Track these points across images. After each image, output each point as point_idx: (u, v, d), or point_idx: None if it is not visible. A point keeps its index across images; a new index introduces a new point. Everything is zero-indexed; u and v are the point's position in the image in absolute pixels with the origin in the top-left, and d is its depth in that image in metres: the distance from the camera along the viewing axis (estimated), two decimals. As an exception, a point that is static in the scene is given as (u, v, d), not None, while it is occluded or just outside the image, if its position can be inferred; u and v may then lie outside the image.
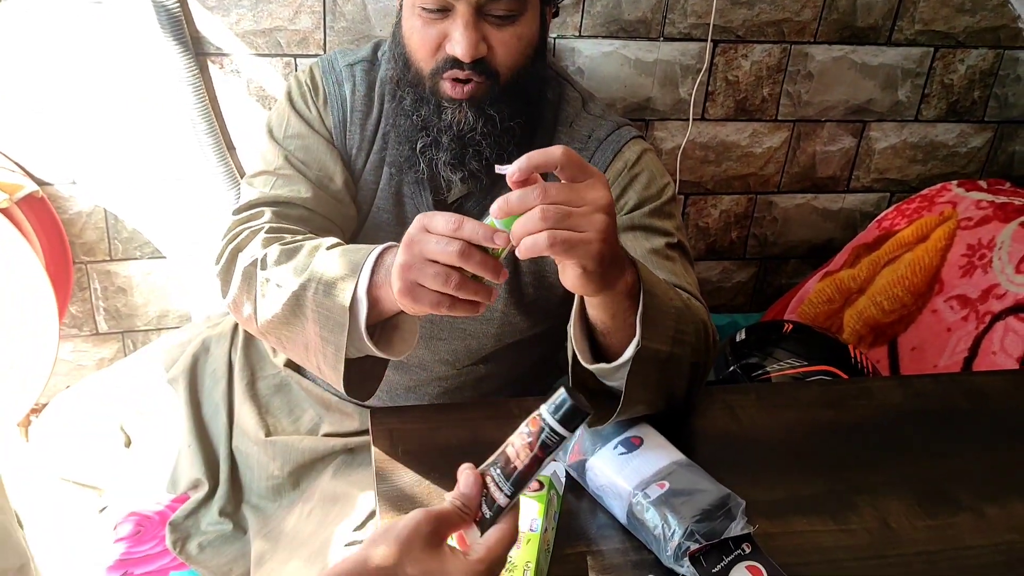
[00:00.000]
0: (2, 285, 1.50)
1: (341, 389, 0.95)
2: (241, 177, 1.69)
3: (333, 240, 1.00)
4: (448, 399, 1.25)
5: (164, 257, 1.80)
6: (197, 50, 1.48)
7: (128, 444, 1.31)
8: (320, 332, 0.94)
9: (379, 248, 0.92)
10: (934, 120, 2.04)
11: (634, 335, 0.85)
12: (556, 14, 1.12)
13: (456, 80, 1.01)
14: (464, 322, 1.15)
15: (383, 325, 0.96)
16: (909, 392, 1.22)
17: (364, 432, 1.23)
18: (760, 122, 1.95)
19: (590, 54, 1.79)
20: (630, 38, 1.79)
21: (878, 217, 1.97)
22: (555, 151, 0.75)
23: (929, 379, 1.31)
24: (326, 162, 1.12)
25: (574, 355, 0.92)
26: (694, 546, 0.85)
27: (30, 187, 1.63)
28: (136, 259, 1.80)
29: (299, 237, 1.03)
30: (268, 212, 1.07)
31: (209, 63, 1.50)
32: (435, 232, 0.78)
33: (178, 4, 1.43)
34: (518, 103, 1.05)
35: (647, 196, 1.12)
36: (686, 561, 0.85)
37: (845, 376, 1.53)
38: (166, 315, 1.88)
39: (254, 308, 1.00)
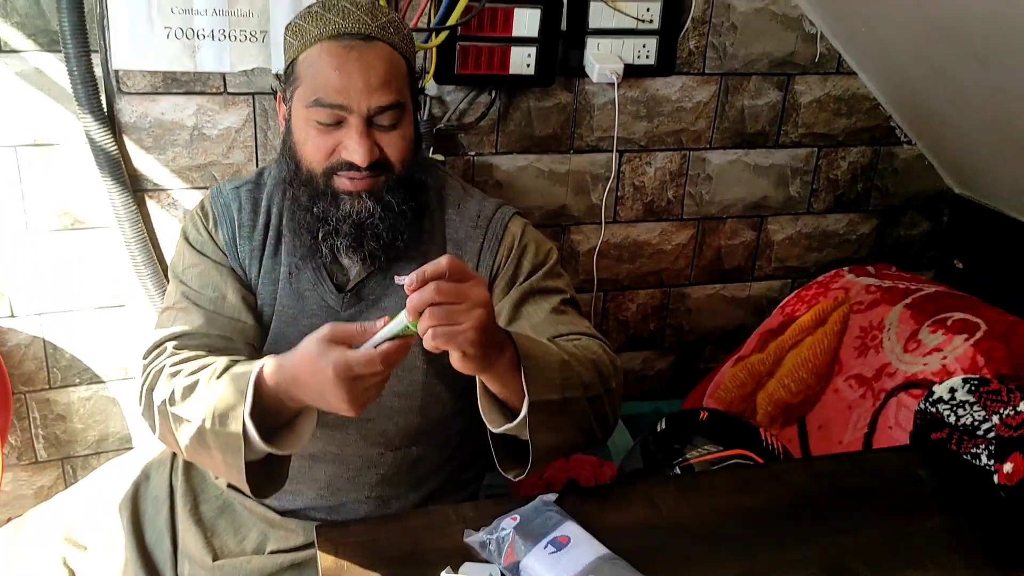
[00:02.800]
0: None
1: (253, 497, 1.07)
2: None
3: (225, 363, 1.09)
4: (387, 488, 1.30)
5: (103, 381, 1.84)
6: (135, 187, 1.56)
7: (73, 577, 1.33)
8: (224, 458, 1.04)
9: (255, 372, 1.02)
10: (824, 212, 2.23)
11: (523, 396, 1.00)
12: (419, 107, 1.28)
13: (352, 179, 1.15)
14: (389, 400, 1.24)
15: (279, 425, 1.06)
16: (812, 473, 1.34)
17: (309, 546, 1.28)
18: (668, 221, 2.11)
19: (507, 168, 1.92)
20: (543, 152, 1.94)
21: (781, 303, 2.12)
22: (442, 263, 0.90)
23: (830, 459, 1.43)
24: (218, 282, 1.23)
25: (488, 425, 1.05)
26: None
27: (-31, 323, 1.67)
28: (75, 386, 1.83)
29: (202, 362, 1.12)
30: (169, 347, 1.17)
31: (147, 198, 1.59)
32: (368, 373, 0.92)
33: (116, 146, 1.52)
34: (409, 189, 1.19)
35: (537, 263, 1.28)
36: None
37: (759, 459, 1.64)
38: (106, 439, 1.90)
39: (176, 442, 1.10)
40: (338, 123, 1.14)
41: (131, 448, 1.93)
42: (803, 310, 2.01)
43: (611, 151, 1.97)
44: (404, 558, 1.10)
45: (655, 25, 1.90)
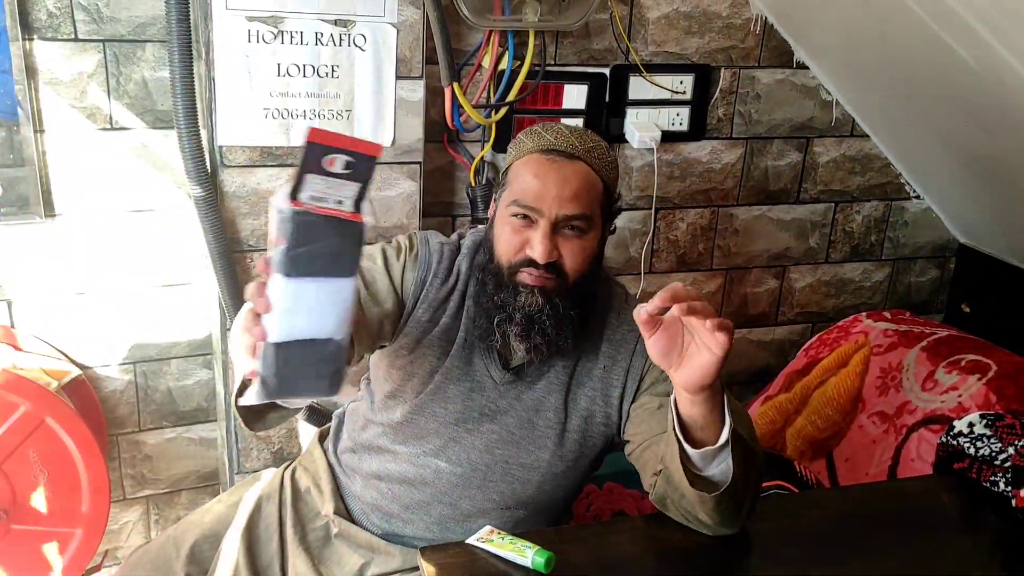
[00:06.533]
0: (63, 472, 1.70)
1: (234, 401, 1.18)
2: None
3: None
4: (489, 536, 1.46)
5: (186, 424, 2.01)
6: (233, 248, 1.74)
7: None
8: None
9: None
10: (841, 261, 2.42)
11: (721, 427, 1.14)
12: (613, 231, 1.42)
13: (531, 274, 1.30)
14: (516, 468, 1.39)
15: None
16: (847, 500, 1.51)
17: (406, 570, 1.44)
18: (699, 271, 2.30)
19: (554, 225, 2.11)
20: (586, 210, 2.13)
21: (804, 346, 2.30)
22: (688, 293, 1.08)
23: (862, 488, 1.60)
24: (378, 294, 1.37)
25: (681, 454, 1.16)
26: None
27: (74, 372, 1.84)
28: (161, 428, 2.00)
29: None
30: None
31: (244, 258, 1.77)
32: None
33: (218, 213, 1.70)
34: (577, 297, 1.33)
35: None
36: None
37: (795, 489, 1.81)
38: (187, 477, 2.06)
39: None
40: (530, 224, 1.30)
41: (209, 485, 2.09)
42: (826, 352, 2.19)
43: (649, 209, 2.16)
44: (500, 574, 1.26)
45: (688, 96, 2.10)
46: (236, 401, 1.16)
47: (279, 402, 1.18)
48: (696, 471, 1.19)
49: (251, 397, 0.94)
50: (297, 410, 1.28)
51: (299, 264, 0.85)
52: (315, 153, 0.83)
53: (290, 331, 0.88)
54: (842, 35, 1.99)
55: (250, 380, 0.99)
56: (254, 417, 1.25)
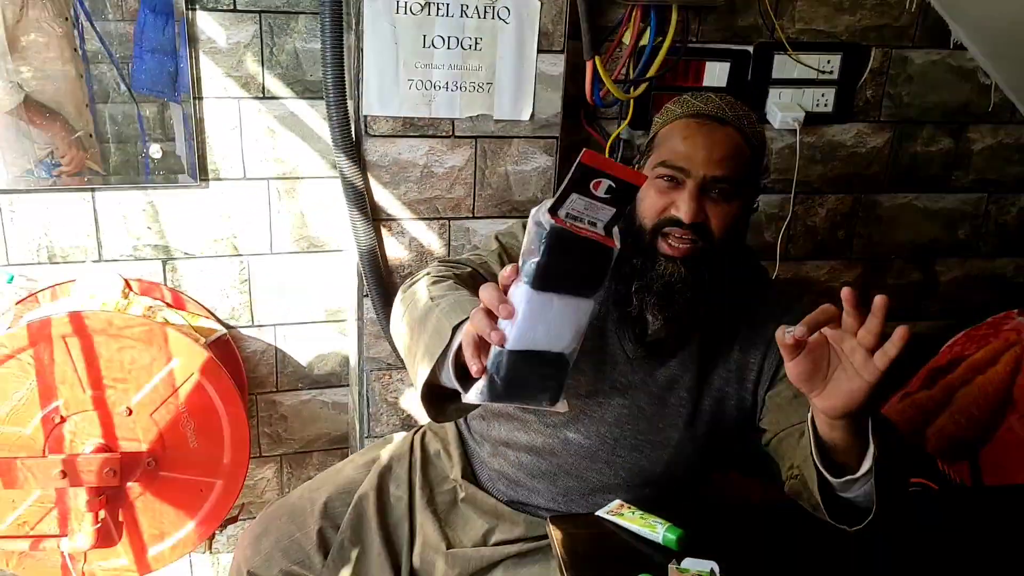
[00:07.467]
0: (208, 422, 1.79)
1: (421, 384, 1.13)
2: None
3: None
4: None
5: (320, 387, 2.08)
6: (373, 216, 1.79)
7: (326, 553, 1.52)
8: (428, 342, 1.13)
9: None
10: (993, 255, 2.29)
11: (865, 449, 1.07)
12: (756, 209, 1.39)
13: (673, 242, 1.28)
14: (644, 446, 1.38)
15: None
16: (997, 500, 1.43)
17: (530, 539, 1.44)
18: (837, 260, 2.21)
19: (687, 207, 2.07)
20: (721, 192, 2.08)
21: (949, 342, 2.19)
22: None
23: (1013, 489, 1.51)
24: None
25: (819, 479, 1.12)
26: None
27: (220, 331, 1.93)
28: (297, 390, 2.07)
29: (459, 277, 1.30)
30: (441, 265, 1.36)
31: (381, 226, 1.81)
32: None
33: (362, 181, 1.75)
34: (722, 266, 1.30)
35: None
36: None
37: (934, 486, 1.73)
38: (317, 439, 2.14)
39: (402, 312, 1.26)
40: (676, 186, 1.28)
41: (339, 448, 2.16)
42: (972, 349, 2.08)
43: (787, 193, 2.10)
44: (631, 550, 1.25)
45: (834, 76, 2.03)
46: (425, 392, 1.14)
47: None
48: (835, 492, 1.14)
49: (473, 396, 0.96)
50: (476, 407, 1.24)
51: (549, 278, 0.87)
52: (584, 175, 0.85)
53: (528, 341, 0.90)
54: (1009, 13, 1.87)
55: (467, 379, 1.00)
56: (436, 408, 1.21)
